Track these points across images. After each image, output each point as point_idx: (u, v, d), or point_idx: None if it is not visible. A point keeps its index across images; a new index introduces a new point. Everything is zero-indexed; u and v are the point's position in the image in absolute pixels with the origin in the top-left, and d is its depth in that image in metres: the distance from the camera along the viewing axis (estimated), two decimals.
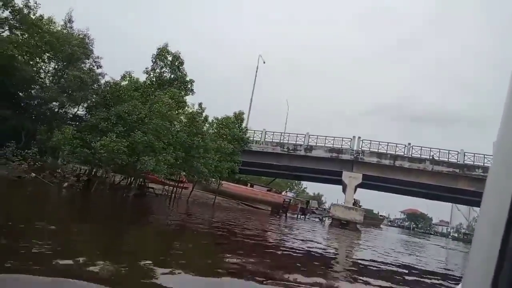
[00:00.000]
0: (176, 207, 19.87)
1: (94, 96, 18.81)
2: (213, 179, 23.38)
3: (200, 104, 25.95)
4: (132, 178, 20.89)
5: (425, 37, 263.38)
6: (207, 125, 25.36)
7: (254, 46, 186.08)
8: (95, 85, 19.02)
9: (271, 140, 36.50)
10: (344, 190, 34.22)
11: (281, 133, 36.91)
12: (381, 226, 71.88)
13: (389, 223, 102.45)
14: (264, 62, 46.74)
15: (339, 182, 35.16)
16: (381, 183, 35.26)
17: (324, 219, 35.79)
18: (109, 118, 17.10)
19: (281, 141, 36.18)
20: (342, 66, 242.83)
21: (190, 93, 22.25)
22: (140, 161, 16.11)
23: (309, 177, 43.03)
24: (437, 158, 30.39)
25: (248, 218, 20.61)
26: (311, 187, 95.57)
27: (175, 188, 25.11)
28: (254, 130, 37.91)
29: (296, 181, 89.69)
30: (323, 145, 35.01)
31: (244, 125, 28.07)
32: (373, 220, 71.78)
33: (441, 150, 30.77)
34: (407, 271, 9.60)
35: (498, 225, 0.40)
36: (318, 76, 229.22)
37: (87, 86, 18.38)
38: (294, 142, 35.95)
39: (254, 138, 36.95)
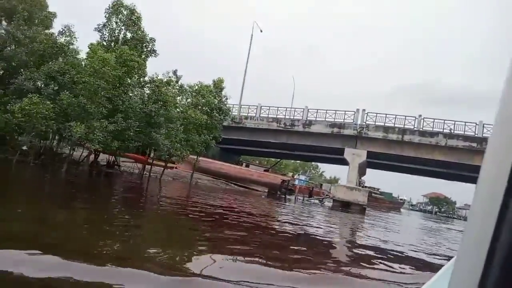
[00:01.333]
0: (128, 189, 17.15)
1: (32, 57, 16.08)
2: (184, 154, 20.46)
3: (174, 72, 23.11)
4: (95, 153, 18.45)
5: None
6: (181, 95, 22.42)
7: (271, 29, 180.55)
8: (33, 45, 16.26)
9: (266, 116, 33.31)
10: None
11: (277, 107, 33.57)
12: (401, 210, 67.61)
13: (410, 207, 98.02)
14: (261, 31, 42.98)
15: (343, 161, 31.57)
16: (388, 161, 31.46)
17: (323, 200, 32.50)
18: (38, 78, 14.45)
19: (277, 116, 32.92)
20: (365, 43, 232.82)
21: (153, 55, 19.22)
22: (67, 128, 13.42)
23: (310, 156, 39.49)
24: (451, 131, 26.25)
25: (224, 200, 17.70)
26: (329, 171, 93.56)
27: (147, 166, 22.53)
28: (249, 105, 34.86)
29: (313, 165, 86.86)
30: (324, 119, 31.44)
31: (223, 93, 24.69)
32: (392, 203, 67.80)
33: (456, 122, 26.56)
34: None
35: (495, 196, 0.39)
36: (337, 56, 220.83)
37: (20, 45, 15.74)
38: (292, 117, 32.57)
39: (249, 114, 33.94)
